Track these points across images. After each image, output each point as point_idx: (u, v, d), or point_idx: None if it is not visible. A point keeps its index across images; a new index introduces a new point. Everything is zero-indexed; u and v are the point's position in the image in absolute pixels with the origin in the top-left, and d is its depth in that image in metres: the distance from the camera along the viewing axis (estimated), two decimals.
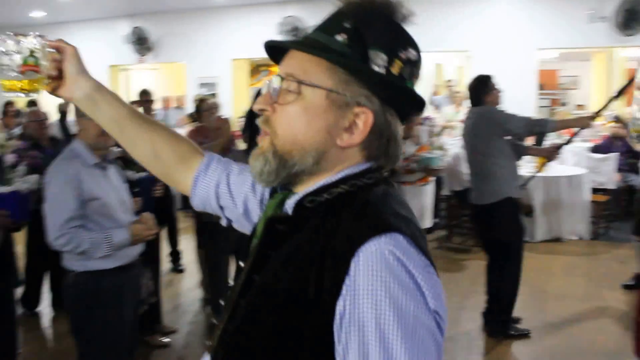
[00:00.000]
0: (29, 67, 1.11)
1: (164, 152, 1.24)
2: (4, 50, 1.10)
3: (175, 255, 5.83)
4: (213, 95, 9.49)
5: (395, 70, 0.90)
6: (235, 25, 10.39)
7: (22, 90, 1.14)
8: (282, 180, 0.96)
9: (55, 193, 2.57)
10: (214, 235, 4.20)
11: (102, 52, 11.22)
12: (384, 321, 0.77)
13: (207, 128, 4.61)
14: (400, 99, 0.94)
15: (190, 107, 8.86)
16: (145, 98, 6.09)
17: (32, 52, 1.11)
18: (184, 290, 5.42)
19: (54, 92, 1.18)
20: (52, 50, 1.14)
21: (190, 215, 4.79)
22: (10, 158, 3.87)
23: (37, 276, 4.70)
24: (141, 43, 11.17)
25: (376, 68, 0.89)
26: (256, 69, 11.69)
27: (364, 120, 0.90)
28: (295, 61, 0.93)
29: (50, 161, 2.77)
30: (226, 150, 4.08)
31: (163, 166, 1.26)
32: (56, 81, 1.16)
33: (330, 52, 0.89)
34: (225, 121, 4.34)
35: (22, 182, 3.52)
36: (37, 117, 4.64)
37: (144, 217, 2.73)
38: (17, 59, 1.10)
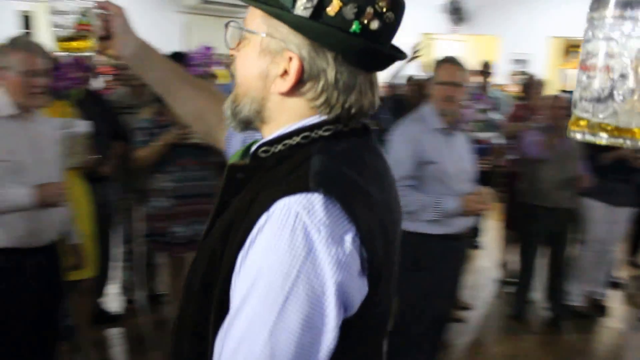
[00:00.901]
0: (83, 26, 1.18)
1: (207, 112, 1.29)
2: (59, 10, 1.18)
3: (474, 232, 5.70)
4: (523, 73, 9.00)
5: (333, 9, 0.83)
6: (555, 1, 9.68)
7: (76, 49, 1.21)
8: (241, 126, 0.96)
9: (395, 150, 2.63)
10: (528, 217, 3.96)
11: (416, 19, 11.49)
12: (265, 285, 0.74)
13: (534, 106, 4.49)
14: (342, 42, 0.84)
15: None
16: (486, 69, 5.90)
17: (83, 12, 1.17)
18: (481, 268, 5.29)
19: (104, 50, 1.21)
20: (100, 10, 1.17)
21: (501, 192, 4.62)
22: None
23: None
24: (457, 13, 11.13)
25: (299, 11, 0.83)
26: (568, 49, 10.78)
27: (293, 66, 0.86)
28: (249, 13, 0.92)
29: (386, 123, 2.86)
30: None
31: (205, 125, 1.32)
32: (106, 40, 1.20)
33: (264, 2, 0.87)
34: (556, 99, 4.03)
35: None
36: None
37: (480, 190, 2.63)
38: (71, 19, 1.17)
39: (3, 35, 2.37)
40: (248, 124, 0.96)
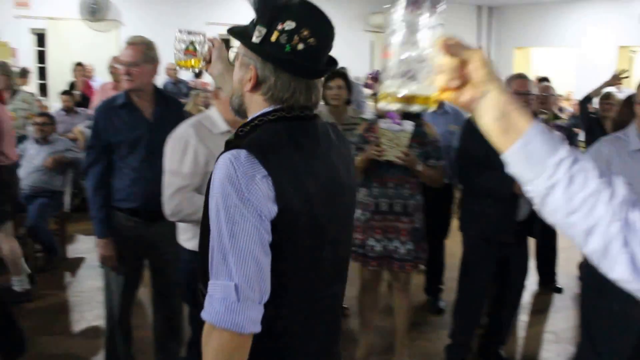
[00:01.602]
0: (189, 52, 1.86)
1: None
2: (182, 39, 1.87)
3: None
4: None
5: (274, 37, 1.30)
6: None
7: (190, 67, 1.90)
8: (240, 115, 1.47)
9: None
10: None
11: (612, 31, 10.64)
12: (217, 203, 1.26)
13: None
14: (273, 58, 1.32)
15: None
16: None
17: (192, 42, 1.85)
18: None
19: (205, 69, 1.88)
20: (209, 43, 1.86)
21: None
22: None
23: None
24: None
25: (255, 39, 1.32)
26: None
27: (251, 75, 1.36)
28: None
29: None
30: None
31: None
32: (207, 63, 1.87)
33: (240, 34, 1.38)
34: None
35: None
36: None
37: None
38: (183, 46, 1.86)
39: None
40: (242, 113, 1.46)
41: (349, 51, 11.40)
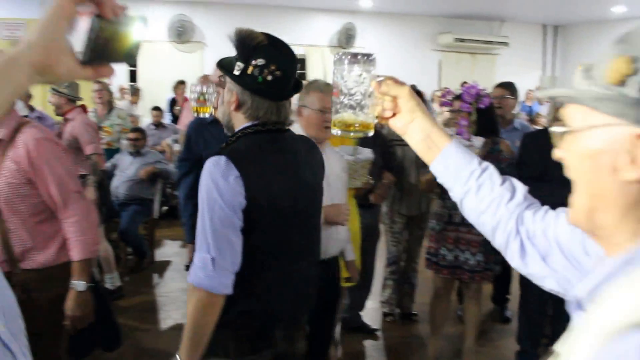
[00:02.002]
0: (200, 101, 2.49)
1: None
2: (195, 90, 2.48)
3: None
4: None
5: (249, 71, 1.73)
6: None
7: (202, 112, 2.55)
8: (229, 131, 1.89)
9: None
10: None
11: None
12: (202, 195, 1.70)
13: None
14: (248, 87, 1.76)
15: None
16: None
17: (202, 93, 2.50)
18: None
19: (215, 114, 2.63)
20: (216, 93, 2.33)
21: None
22: None
23: None
24: None
25: (235, 71, 1.75)
26: None
27: (234, 98, 1.80)
28: None
29: None
30: None
31: None
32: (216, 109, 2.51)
33: (225, 67, 1.79)
34: None
35: None
36: None
37: None
38: (195, 96, 2.56)
39: None
40: (230, 127, 1.87)
41: (418, 69, 11.58)
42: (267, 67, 1.72)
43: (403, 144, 4.04)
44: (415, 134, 1.18)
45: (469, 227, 3.28)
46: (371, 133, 1.20)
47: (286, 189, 1.80)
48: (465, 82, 11.48)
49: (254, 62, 1.72)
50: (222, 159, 1.70)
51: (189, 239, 3.11)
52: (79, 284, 2.31)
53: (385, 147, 3.95)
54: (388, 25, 11.96)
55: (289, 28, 10.97)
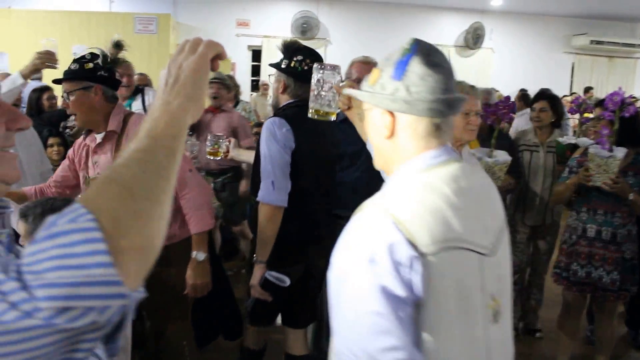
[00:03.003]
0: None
1: None
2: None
3: None
4: None
5: (292, 64, 2.53)
6: None
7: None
8: (274, 107, 2.73)
9: None
10: None
11: None
12: (262, 145, 2.47)
13: None
14: (292, 74, 2.54)
15: None
16: None
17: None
18: None
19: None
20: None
21: None
22: None
23: None
24: None
25: (282, 65, 2.55)
26: None
27: (282, 84, 2.57)
28: None
29: None
30: None
31: None
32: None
33: (276, 65, 2.61)
34: None
35: None
36: None
37: None
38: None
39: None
40: (276, 106, 2.64)
41: (548, 72, 11.05)
42: (303, 61, 2.53)
43: (532, 149, 3.89)
44: (366, 122, 1.42)
45: (605, 242, 3.13)
46: (333, 118, 1.88)
47: (317, 146, 2.58)
48: (590, 88, 10.91)
49: (295, 59, 2.54)
50: (276, 119, 2.48)
51: None
52: (199, 255, 2.51)
53: (512, 150, 3.76)
54: (518, 26, 11.49)
55: (413, 26, 10.89)
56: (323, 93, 1.79)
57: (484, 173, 1.51)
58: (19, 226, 2.00)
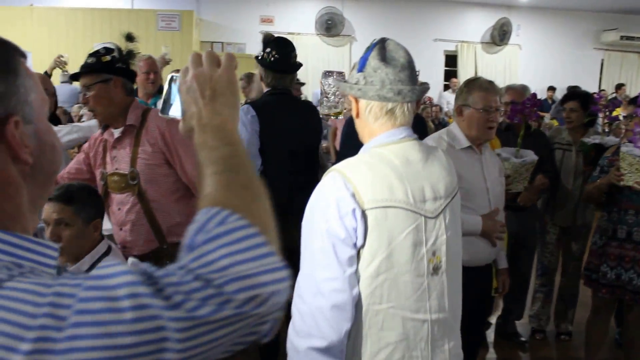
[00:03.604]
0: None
1: None
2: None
3: None
4: None
5: (263, 57, 2.96)
6: None
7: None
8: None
9: None
10: None
11: None
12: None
13: None
14: (263, 65, 2.98)
15: None
16: None
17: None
18: None
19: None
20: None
21: None
22: None
23: None
24: None
25: (259, 58, 3.01)
26: None
27: (260, 74, 3.06)
28: None
29: None
30: None
31: None
32: None
33: (256, 57, 3.10)
34: None
35: None
36: None
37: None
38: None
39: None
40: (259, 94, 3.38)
41: (577, 69, 10.84)
42: (271, 53, 2.92)
43: (565, 147, 3.80)
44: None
45: (636, 243, 3.04)
46: (341, 117, 2.27)
47: (285, 129, 2.90)
48: (622, 85, 10.65)
49: (266, 51, 2.93)
50: (245, 106, 2.88)
51: None
52: None
53: (546, 148, 3.68)
54: (546, 21, 11.29)
55: (439, 23, 10.78)
56: (330, 97, 2.36)
57: (440, 152, 1.66)
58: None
